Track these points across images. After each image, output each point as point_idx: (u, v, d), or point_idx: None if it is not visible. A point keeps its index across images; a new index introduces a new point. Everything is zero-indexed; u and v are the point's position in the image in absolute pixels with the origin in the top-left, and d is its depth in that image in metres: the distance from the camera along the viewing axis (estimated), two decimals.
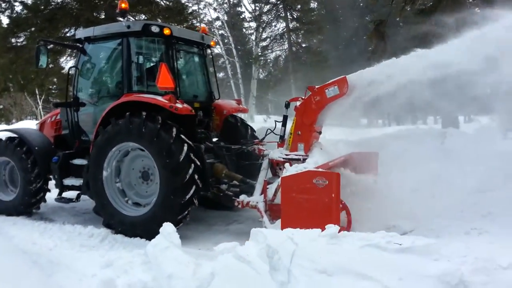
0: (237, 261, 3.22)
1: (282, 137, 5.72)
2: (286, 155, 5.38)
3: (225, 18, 32.48)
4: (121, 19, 5.91)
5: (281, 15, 27.04)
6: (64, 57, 15.41)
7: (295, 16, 27.39)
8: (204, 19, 29.95)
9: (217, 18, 32.47)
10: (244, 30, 35.33)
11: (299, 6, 27.42)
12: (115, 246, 5.02)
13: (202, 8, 31.49)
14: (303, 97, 5.39)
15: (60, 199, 6.27)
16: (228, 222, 6.24)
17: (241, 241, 3.56)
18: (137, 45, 5.83)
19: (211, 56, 6.97)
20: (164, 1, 14.81)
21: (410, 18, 15.24)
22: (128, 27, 5.65)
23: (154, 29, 5.62)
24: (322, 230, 3.45)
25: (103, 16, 13.83)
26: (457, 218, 5.01)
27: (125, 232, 5.32)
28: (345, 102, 5.10)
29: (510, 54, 4.17)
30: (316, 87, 5.22)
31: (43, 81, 15.45)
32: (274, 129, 5.91)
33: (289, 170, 4.76)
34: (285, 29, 27.02)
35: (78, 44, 6.29)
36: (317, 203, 4.22)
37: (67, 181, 6.14)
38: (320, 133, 5.59)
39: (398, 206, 4.84)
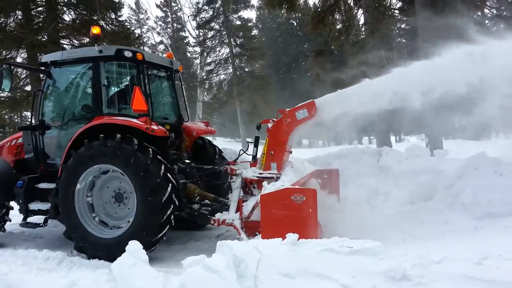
0: (206, 271, 3.42)
1: (254, 157, 5.93)
2: (260, 173, 5.58)
3: (169, 42, 32.66)
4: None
5: (225, 41, 27.82)
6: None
7: (238, 42, 28.31)
8: (148, 42, 29.93)
9: (161, 42, 32.59)
10: (188, 54, 35.68)
11: (241, 33, 28.41)
12: (74, 268, 4.98)
13: (145, 31, 31.43)
14: (274, 119, 5.68)
15: (25, 224, 6.05)
16: (185, 240, 6.37)
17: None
18: (108, 69, 5.88)
19: (179, 80, 7.13)
20: (110, 26, 14.77)
21: (346, 47, 16.53)
22: (101, 51, 5.70)
23: (127, 54, 5.72)
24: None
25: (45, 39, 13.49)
26: (395, 227, 5.61)
27: (99, 255, 5.28)
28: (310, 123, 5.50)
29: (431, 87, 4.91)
30: (287, 110, 5.54)
31: None
32: (247, 149, 6.16)
33: (268, 188, 4.93)
34: (229, 54, 27.78)
35: (43, 68, 6.24)
36: (295, 219, 4.38)
37: (33, 206, 5.98)
38: (290, 152, 5.85)
39: (346, 217, 5.32)
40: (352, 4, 14.21)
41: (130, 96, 5.63)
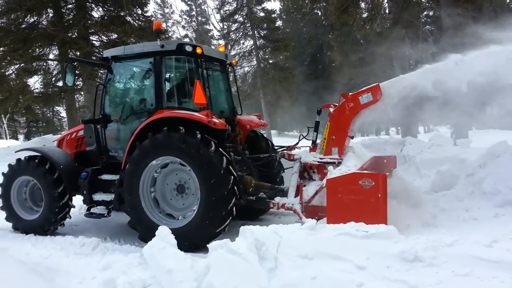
0: (229, 254, 3.66)
1: (314, 142, 5.96)
2: (321, 158, 5.61)
3: (194, 35, 33.10)
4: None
5: (248, 33, 27.97)
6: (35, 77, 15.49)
7: (262, 34, 28.39)
8: (173, 36, 30.44)
9: (186, 36, 33.05)
10: (213, 47, 35.99)
11: (265, 25, 28.44)
12: (108, 253, 5.30)
13: (170, 26, 31.96)
14: (336, 104, 5.68)
15: (90, 214, 6.29)
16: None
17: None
18: (169, 63, 6.01)
19: (232, 74, 7.29)
20: (137, 21, 15.21)
21: (371, 36, 16.38)
22: (162, 46, 5.79)
23: (188, 48, 5.78)
24: None
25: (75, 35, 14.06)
26: (417, 215, 5.68)
27: None
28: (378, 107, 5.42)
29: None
30: (350, 94, 5.51)
31: (17, 100, 15.32)
32: (307, 134, 6.27)
33: (334, 173, 4.84)
34: (253, 46, 27.92)
35: (105, 63, 6.39)
36: (364, 204, 4.29)
37: (97, 196, 6.17)
38: (352, 137, 5.83)
39: None
40: None
41: (190, 90, 5.84)
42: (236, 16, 28.60)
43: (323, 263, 3.36)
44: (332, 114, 5.60)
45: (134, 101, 6.45)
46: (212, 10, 35.66)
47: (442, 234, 4.41)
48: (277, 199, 5.58)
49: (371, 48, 14.25)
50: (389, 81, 5.37)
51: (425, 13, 15.64)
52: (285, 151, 6.23)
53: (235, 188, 5.35)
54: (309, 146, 6.01)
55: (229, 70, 7.09)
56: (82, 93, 16.94)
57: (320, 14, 30.21)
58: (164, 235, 4.25)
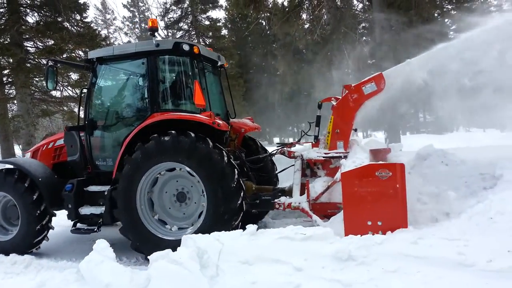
0: (171, 264, 3.62)
1: (316, 137, 5.79)
2: (326, 153, 5.43)
3: (137, 42, 32.37)
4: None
5: (193, 41, 27.83)
6: None
7: (207, 43, 28.40)
8: (115, 43, 29.55)
9: (129, 42, 32.15)
10: None
11: (210, 33, 28.51)
12: (42, 270, 5.05)
13: (112, 32, 31.04)
14: (337, 97, 5.50)
15: (77, 230, 5.68)
16: None
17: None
18: (165, 63, 5.66)
19: (225, 76, 6.94)
20: (76, 27, 14.62)
21: (312, 46, 17.00)
22: (158, 45, 5.46)
23: (185, 47, 5.48)
24: (388, 221, 3.94)
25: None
26: None
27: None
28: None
29: None
30: (353, 85, 5.32)
31: None
32: (308, 130, 6.03)
33: (347, 166, 4.59)
34: None
35: (89, 65, 5.96)
36: (382, 195, 4.10)
37: (84, 210, 5.64)
38: (355, 130, 5.69)
39: None
40: (315, 4, 14.66)
41: (186, 92, 5.53)
42: (181, 24, 28.43)
43: (263, 267, 3.44)
44: (336, 107, 5.43)
45: (125, 105, 6.04)
46: (156, 17, 35.14)
47: None
48: (283, 199, 5.39)
49: (312, 57, 14.80)
50: (391, 69, 5.33)
51: (362, 25, 16.53)
52: (285, 149, 6.04)
53: (241, 181, 5.10)
54: (311, 142, 5.89)
55: (221, 73, 6.87)
56: (15, 102, 15.91)
57: (264, 24, 30.84)
58: (101, 249, 4.10)
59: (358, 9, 14.99)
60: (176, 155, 5.04)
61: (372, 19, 12.53)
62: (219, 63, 6.61)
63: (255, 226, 4.00)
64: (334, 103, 5.54)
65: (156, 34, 5.65)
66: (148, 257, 3.89)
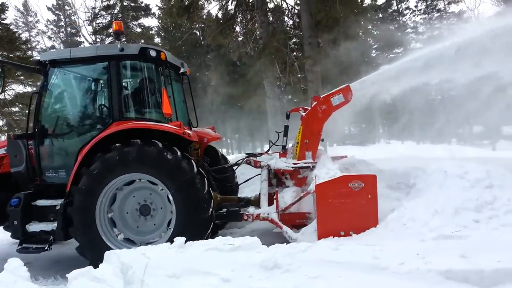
0: (92, 282, 3.45)
1: (284, 147, 5.74)
2: (295, 163, 5.41)
3: (62, 47, 30.59)
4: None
5: None
6: None
7: None
8: (37, 47, 27.70)
9: (53, 47, 30.33)
10: None
11: (142, 41, 27.83)
12: None
13: (34, 35, 29.06)
14: (305, 107, 5.52)
15: (24, 249, 5.05)
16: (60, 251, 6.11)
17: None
18: (128, 69, 5.36)
19: (187, 84, 6.74)
20: None
21: (245, 59, 17.26)
22: (122, 49, 5.15)
23: (152, 53, 5.23)
24: (361, 231, 4.10)
25: None
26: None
27: None
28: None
29: None
30: (321, 96, 5.42)
31: None
32: (277, 140, 5.97)
33: (322, 177, 4.64)
34: None
35: (40, 67, 5.45)
36: (354, 206, 4.25)
37: (33, 227, 5.09)
38: (322, 140, 5.73)
39: None
40: (248, 18, 14.98)
41: (151, 99, 5.25)
42: (110, 30, 27.36)
43: (191, 280, 3.40)
44: (305, 117, 5.54)
45: (81, 112, 5.62)
46: (84, 21, 33.40)
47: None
48: (251, 210, 5.31)
49: (245, 69, 15.06)
50: (358, 80, 5.56)
51: (293, 40, 17.19)
52: (251, 158, 5.98)
53: (211, 190, 4.99)
54: (278, 152, 5.89)
55: (183, 80, 6.69)
56: None
57: (198, 34, 30.79)
58: (14, 268, 3.79)
59: (289, 25, 15.57)
60: (142, 166, 4.83)
61: (301, 36, 13.11)
62: (182, 70, 6.47)
63: (183, 239, 3.95)
64: (302, 113, 5.68)
65: (120, 37, 5.41)
66: (67, 275, 3.62)
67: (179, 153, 4.85)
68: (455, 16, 43.52)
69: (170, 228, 4.96)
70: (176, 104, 6.06)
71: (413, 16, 46.33)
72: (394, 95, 5.91)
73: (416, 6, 46.10)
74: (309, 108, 5.69)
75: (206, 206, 4.82)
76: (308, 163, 5.49)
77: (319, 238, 4.26)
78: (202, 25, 18.17)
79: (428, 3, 45.29)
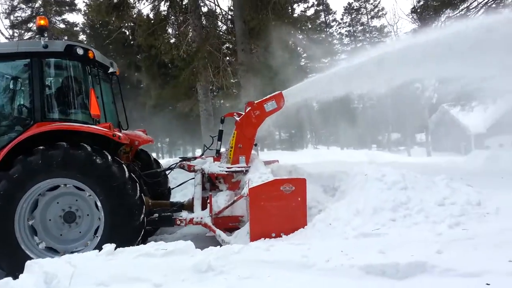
0: None
1: (218, 151, 5.74)
2: (229, 168, 5.41)
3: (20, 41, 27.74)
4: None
5: None
6: None
7: None
8: None
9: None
10: None
11: (66, 37, 26.22)
12: None
13: None
14: (240, 112, 5.57)
15: None
16: None
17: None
18: (52, 67, 5.10)
19: (116, 84, 6.44)
20: None
21: (178, 62, 17.04)
22: (46, 46, 4.84)
23: (79, 51, 4.98)
24: (291, 232, 4.29)
25: None
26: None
27: None
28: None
29: None
30: (255, 102, 5.50)
31: None
32: (211, 144, 5.95)
33: (255, 181, 4.74)
34: None
35: None
36: (285, 208, 4.46)
37: None
38: (256, 145, 5.79)
39: None
40: (181, 21, 14.83)
41: (77, 100, 4.98)
42: (30, 24, 25.38)
43: (121, 287, 3.31)
44: (239, 122, 5.65)
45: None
46: (0, 14, 30.47)
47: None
48: (184, 215, 5.24)
49: (177, 72, 14.86)
50: (290, 88, 5.81)
51: (226, 45, 17.35)
52: (184, 162, 5.91)
53: (142, 196, 4.80)
54: (212, 156, 5.92)
55: (113, 80, 6.42)
56: None
57: (128, 33, 29.75)
58: None
59: (222, 30, 15.69)
60: (68, 170, 4.60)
61: (235, 41, 13.29)
62: (111, 70, 6.22)
63: (112, 245, 3.83)
64: (237, 118, 5.81)
65: (44, 33, 5.14)
66: None
67: (109, 157, 4.69)
68: (377, 30, 47.06)
69: (97, 236, 4.77)
70: (105, 105, 5.89)
71: (339, 28, 49.25)
72: (322, 103, 6.39)
73: (342, 19, 49.06)
74: (243, 113, 5.85)
75: (137, 213, 4.68)
76: (242, 167, 5.64)
77: (251, 240, 4.40)
78: (132, 24, 17.64)
79: (353, 16, 48.39)
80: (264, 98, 5.71)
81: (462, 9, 10.94)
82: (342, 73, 5.87)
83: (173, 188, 6.85)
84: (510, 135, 26.50)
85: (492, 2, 10.49)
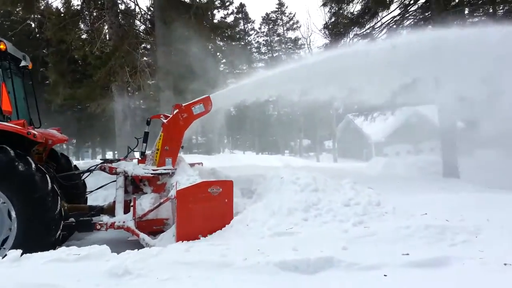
0: None
1: (143, 153, 5.58)
2: (154, 170, 5.26)
3: None
4: None
5: None
6: None
7: None
8: None
9: None
10: None
11: None
12: None
13: None
14: (166, 114, 5.47)
15: None
16: None
17: None
18: None
19: (28, 79, 5.90)
20: None
21: (91, 59, 16.13)
22: None
23: None
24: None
25: None
26: None
27: None
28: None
29: None
30: (183, 105, 5.43)
31: None
32: (136, 146, 5.75)
33: (183, 183, 4.74)
34: None
35: None
36: (212, 210, 4.53)
37: None
38: (182, 147, 5.69)
39: None
40: (95, 17, 14.11)
41: None
42: None
43: None
44: (166, 124, 5.57)
45: None
46: None
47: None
48: (105, 219, 4.95)
49: (89, 70, 14.08)
50: (217, 92, 5.90)
51: (143, 45, 16.86)
52: (106, 164, 5.58)
53: (62, 211, 4.46)
54: (137, 158, 5.77)
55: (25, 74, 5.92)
56: None
57: (33, 25, 27.32)
58: None
59: (140, 30, 15.23)
60: None
61: (154, 42, 13.01)
62: (24, 64, 5.74)
63: (18, 251, 3.57)
64: (164, 120, 5.76)
65: None
66: None
67: (33, 164, 4.36)
68: (292, 41, 49.35)
69: (4, 248, 4.36)
70: (17, 100, 5.46)
71: (257, 37, 50.68)
72: (239, 109, 6.78)
73: (260, 28, 50.54)
74: (170, 116, 5.83)
75: (54, 228, 4.44)
76: (168, 169, 5.60)
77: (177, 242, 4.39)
78: (39, 17, 16.29)
79: (270, 26, 50.15)
80: (192, 101, 5.79)
81: (368, 28, 12.06)
82: (269, 81, 6.20)
83: (92, 191, 6.54)
84: (405, 144, 29.71)
85: (394, 24, 11.75)
